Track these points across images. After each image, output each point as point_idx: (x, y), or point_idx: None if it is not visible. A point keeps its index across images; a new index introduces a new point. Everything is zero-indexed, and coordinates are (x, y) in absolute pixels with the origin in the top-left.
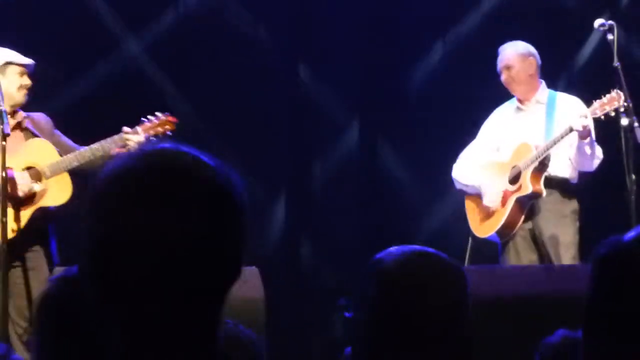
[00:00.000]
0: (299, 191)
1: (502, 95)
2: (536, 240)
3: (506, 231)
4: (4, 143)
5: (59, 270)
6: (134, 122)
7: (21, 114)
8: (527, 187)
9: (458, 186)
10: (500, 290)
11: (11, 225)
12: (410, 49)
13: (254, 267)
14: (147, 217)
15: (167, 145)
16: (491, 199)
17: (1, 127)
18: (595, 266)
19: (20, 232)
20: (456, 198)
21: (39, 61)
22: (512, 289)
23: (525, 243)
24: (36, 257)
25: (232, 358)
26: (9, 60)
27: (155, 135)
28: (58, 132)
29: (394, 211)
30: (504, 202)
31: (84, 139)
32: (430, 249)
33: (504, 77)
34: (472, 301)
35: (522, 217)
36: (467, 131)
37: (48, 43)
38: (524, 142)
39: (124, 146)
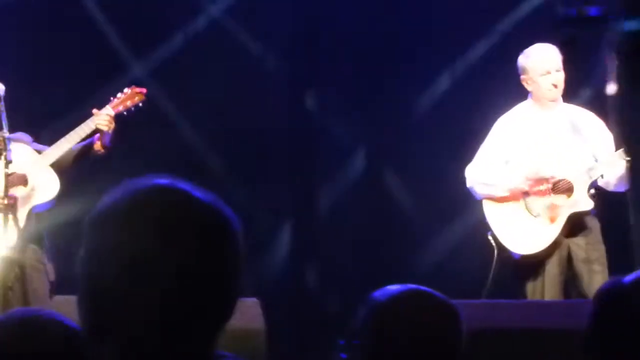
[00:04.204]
0: (304, 219)
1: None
2: (569, 257)
3: (551, 247)
4: (6, 170)
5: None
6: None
7: None
8: (587, 202)
9: (480, 196)
10: (496, 324)
11: (10, 233)
12: (417, 77)
13: (254, 298)
14: (138, 251)
15: (162, 181)
16: (538, 211)
17: (5, 154)
18: (595, 305)
19: (20, 238)
20: (463, 223)
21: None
22: (508, 324)
23: (557, 259)
24: (34, 267)
25: None
26: None
27: (127, 109)
28: (37, 144)
29: (400, 238)
30: (553, 218)
31: None
32: (425, 288)
33: (556, 78)
34: (467, 335)
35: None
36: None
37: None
38: (569, 154)
39: (97, 129)
